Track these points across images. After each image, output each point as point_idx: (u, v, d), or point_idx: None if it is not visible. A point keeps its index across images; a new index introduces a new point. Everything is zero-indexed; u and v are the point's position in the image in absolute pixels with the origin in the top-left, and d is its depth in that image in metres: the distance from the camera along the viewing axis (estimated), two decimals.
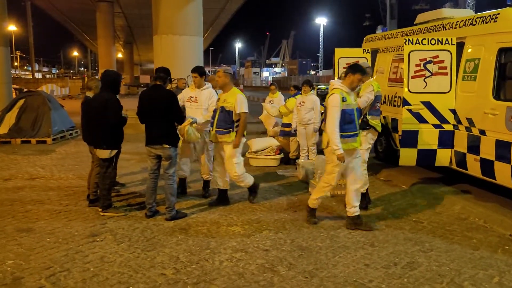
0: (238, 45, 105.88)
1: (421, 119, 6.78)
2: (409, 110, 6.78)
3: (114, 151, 5.57)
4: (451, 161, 6.88)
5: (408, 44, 6.72)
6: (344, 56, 9.21)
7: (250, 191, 6.32)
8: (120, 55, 60.13)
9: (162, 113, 5.37)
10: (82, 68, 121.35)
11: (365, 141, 5.96)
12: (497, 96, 6.00)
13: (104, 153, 5.52)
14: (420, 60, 6.72)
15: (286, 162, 9.00)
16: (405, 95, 6.79)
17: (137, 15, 37.44)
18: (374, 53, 9.36)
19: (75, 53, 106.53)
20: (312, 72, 79.62)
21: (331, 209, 6.02)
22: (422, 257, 4.40)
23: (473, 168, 6.42)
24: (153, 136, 5.44)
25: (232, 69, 67.21)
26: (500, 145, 5.84)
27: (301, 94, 8.63)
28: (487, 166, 6.11)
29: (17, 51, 65.72)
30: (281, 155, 8.94)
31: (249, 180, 6.14)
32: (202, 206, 6.08)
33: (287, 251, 4.54)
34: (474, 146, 6.35)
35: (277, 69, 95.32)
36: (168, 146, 5.39)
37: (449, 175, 7.48)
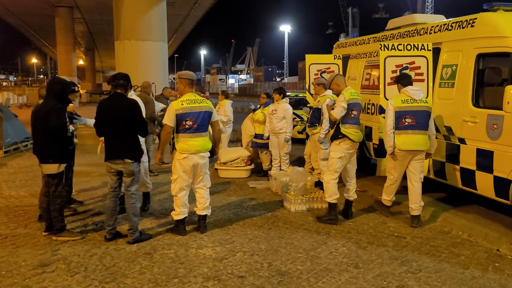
0: (203, 52, 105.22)
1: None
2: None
3: (63, 165, 4.98)
4: (429, 171, 6.63)
5: (384, 49, 6.45)
6: (315, 62, 8.95)
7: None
8: (81, 62, 58.37)
9: (126, 125, 4.84)
10: (42, 76, 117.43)
11: (338, 149, 5.67)
12: (476, 104, 5.79)
13: (51, 168, 4.92)
14: (396, 66, 6.46)
15: (257, 173, 8.58)
16: (381, 102, 6.50)
17: (98, 21, 36.34)
18: (346, 59, 9.11)
19: (34, 60, 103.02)
20: (277, 79, 79.83)
21: (308, 225, 5.61)
22: (411, 279, 4.05)
23: (452, 178, 6.18)
24: (114, 150, 4.89)
25: (197, 76, 66.25)
26: (482, 154, 5.62)
27: (272, 103, 8.30)
28: (467, 176, 5.88)
29: None
30: (252, 166, 8.51)
31: None
32: (168, 224, 5.55)
33: (265, 277, 4.08)
34: (453, 155, 6.12)
35: (243, 76, 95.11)
36: (130, 161, 4.86)
37: (427, 184, 7.23)
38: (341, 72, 8.88)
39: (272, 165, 8.29)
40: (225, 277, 4.10)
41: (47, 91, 5.01)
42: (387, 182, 5.88)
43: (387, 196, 5.93)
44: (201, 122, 5.10)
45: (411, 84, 5.62)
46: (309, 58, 9.09)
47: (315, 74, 9.04)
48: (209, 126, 5.28)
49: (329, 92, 7.15)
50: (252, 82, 78.58)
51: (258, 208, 6.34)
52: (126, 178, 4.93)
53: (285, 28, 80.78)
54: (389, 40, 7.79)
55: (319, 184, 7.16)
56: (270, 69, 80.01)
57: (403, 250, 4.77)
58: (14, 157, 10.83)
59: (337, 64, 9.00)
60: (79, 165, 9.17)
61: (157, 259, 4.50)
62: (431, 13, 50.14)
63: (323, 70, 9.02)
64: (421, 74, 6.44)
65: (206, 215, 5.36)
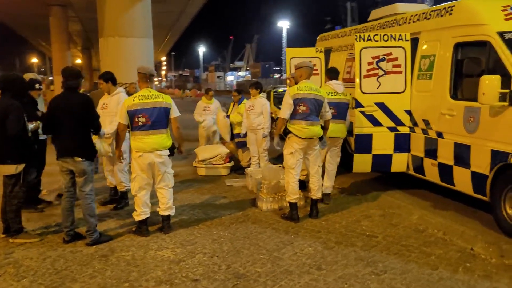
0: (201, 49, 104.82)
1: (375, 122, 6.29)
2: (362, 113, 6.29)
3: (22, 166, 4.76)
4: (408, 167, 6.41)
5: (359, 40, 6.23)
6: (296, 56, 8.68)
7: None
8: (79, 61, 58.15)
9: (77, 121, 4.62)
10: (41, 76, 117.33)
11: (288, 146, 5.47)
12: (454, 95, 5.57)
13: (9, 169, 4.71)
14: (373, 58, 6.24)
15: (236, 170, 8.36)
16: (357, 96, 6.28)
17: (93, 20, 35.57)
18: (328, 52, 8.88)
19: (34, 60, 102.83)
20: (276, 75, 79.49)
21: (278, 224, 5.39)
22: (374, 282, 3.83)
23: (431, 173, 5.96)
24: (64, 148, 4.67)
25: (196, 73, 66.08)
26: (459, 148, 5.40)
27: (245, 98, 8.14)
28: (445, 171, 5.66)
29: None
30: (231, 163, 8.29)
31: None
32: (133, 225, 5.33)
33: (220, 281, 3.87)
34: (431, 150, 5.90)
35: (241, 73, 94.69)
36: (80, 159, 4.64)
37: (409, 181, 7.01)
38: (323, 66, 8.66)
39: (250, 162, 8.08)
40: (178, 280, 3.88)
41: (3, 88, 4.78)
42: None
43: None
44: (156, 119, 4.87)
45: (337, 79, 6.26)
46: (290, 51, 8.85)
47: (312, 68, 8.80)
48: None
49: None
50: (250, 78, 78.29)
51: (230, 207, 6.12)
52: (78, 178, 4.71)
53: (283, 24, 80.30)
54: (370, 31, 7.55)
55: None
56: (267, 65, 79.65)
57: (372, 250, 4.54)
58: None
59: (319, 58, 8.75)
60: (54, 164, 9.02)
61: (112, 262, 4.29)
62: (431, 5, 49.80)
63: None
64: (399, 66, 6.22)
65: (169, 215, 5.15)
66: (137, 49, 12.82)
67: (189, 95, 50.44)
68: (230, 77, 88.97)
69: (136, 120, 4.83)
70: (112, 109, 5.94)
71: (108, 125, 5.80)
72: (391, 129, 6.31)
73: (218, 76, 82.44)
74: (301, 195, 5.97)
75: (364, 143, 6.31)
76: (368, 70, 6.23)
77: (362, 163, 6.37)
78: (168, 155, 5.04)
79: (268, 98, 14.02)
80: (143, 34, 12.94)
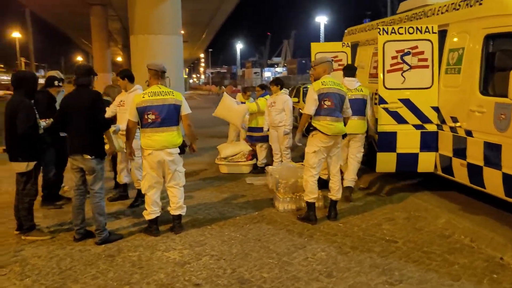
0: (239, 46, 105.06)
1: (400, 119, 5.94)
2: (386, 109, 5.95)
3: (32, 164, 4.77)
4: (436, 167, 6.03)
5: (383, 34, 5.89)
6: (321, 51, 8.38)
7: None
8: (119, 59, 59.57)
9: (85, 117, 4.57)
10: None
11: (311, 143, 5.24)
12: (484, 91, 5.14)
13: (20, 166, 4.73)
14: (397, 51, 5.89)
15: (254, 169, 8.17)
16: (380, 92, 5.95)
17: None
18: (355, 47, 8.52)
19: (79, 58, 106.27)
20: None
21: (292, 226, 5.18)
22: None
23: (460, 174, 5.56)
24: (73, 145, 4.64)
25: (233, 70, 66.01)
26: (489, 148, 4.98)
27: (269, 94, 7.92)
28: (475, 172, 5.25)
29: (22, 58, 65.77)
30: (254, 161, 8.11)
31: None
32: (145, 224, 5.25)
33: (222, 286, 3.71)
34: (460, 149, 5.50)
35: (279, 69, 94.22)
36: (89, 156, 4.58)
37: (438, 181, 6.61)
38: (349, 61, 8.32)
39: (266, 160, 7.91)
40: (180, 284, 3.75)
41: (14, 85, 4.80)
42: None
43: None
44: (166, 116, 4.75)
45: (353, 76, 6.21)
46: (315, 46, 8.55)
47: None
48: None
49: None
50: (287, 74, 77.72)
51: (246, 207, 5.96)
52: (88, 176, 4.67)
53: (321, 19, 79.23)
54: (397, 24, 7.16)
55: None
56: (303, 61, 78.72)
57: (389, 257, 4.26)
58: None
59: (345, 52, 8.39)
60: None
61: (118, 263, 4.22)
62: None
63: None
64: (425, 60, 5.84)
65: (180, 215, 5.03)
66: (166, 46, 12.87)
67: (225, 92, 50.59)
68: (268, 73, 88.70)
69: (146, 117, 4.74)
70: (128, 106, 5.82)
71: (124, 122, 5.76)
72: (417, 126, 5.94)
73: (255, 72, 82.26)
74: (321, 195, 5.72)
75: (388, 141, 5.98)
76: (392, 65, 5.88)
77: (386, 162, 6.04)
78: (179, 153, 4.92)
79: (297, 94, 13.84)
80: (171, 31, 12.98)
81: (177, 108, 4.83)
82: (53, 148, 5.85)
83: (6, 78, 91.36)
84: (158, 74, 4.92)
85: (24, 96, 4.73)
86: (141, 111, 4.74)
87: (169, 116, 4.78)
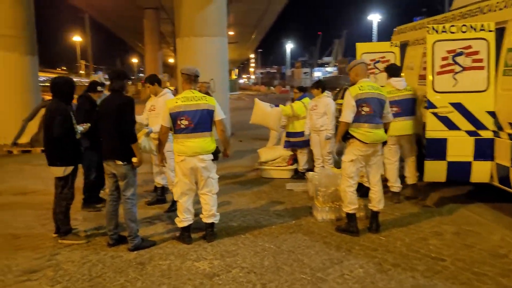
0: (289, 46, 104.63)
1: (451, 125, 5.50)
2: (435, 114, 5.53)
3: (70, 168, 4.80)
4: (492, 177, 5.54)
5: (432, 33, 5.48)
6: (367, 51, 8.03)
7: None
8: (171, 60, 60.94)
9: (114, 123, 4.52)
10: (141, 74, 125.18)
11: (349, 152, 4.96)
12: None
13: (58, 171, 4.77)
14: (448, 52, 5.46)
15: (295, 174, 7.92)
16: (429, 95, 5.54)
17: None
18: (404, 46, 8.08)
19: (135, 60, 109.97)
20: None
21: (330, 238, 4.90)
22: None
23: None
24: (105, 150, 4.63)
25: (282, 70, 65.71)
26: None
27: (307, 97, 7.67)
28: None
29: (82, 61, 69.15)
30: (295, 166, 7.87)
31: None
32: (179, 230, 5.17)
33: None
34: None
35: (329, 69, 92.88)
36: (121, 162, 4.54)
37: (495, 192, 6.08)
38: (398, 62, 7.90)
39: (308, 166, 7.64)
40: None
41: (53, 91, 4.86)
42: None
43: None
44: (199, 121, 4.63)
45: (398, 76, 6.10)
46: (361, 46, 8.18)
47: (368, 65, 8.14)
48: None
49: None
50: (337, 74, 76.45)
51: (284, 215, 5.74)
52: (120, 182, 4.63)
53: (374, 18, 77.29)
54: (450, 22, 6.68)
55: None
56: None
57: (434, 277, 3.90)
58: None
59: (394, 53, 8.00)
60: None
61: (147, 271, 4.14)
62: None
63: (376, 59, 8.09)
64: (480, 61, 5.37)
65: (213, 223, 4.90)
66: (210, 48, 12.93)
67: (273, 92, 50.57)
68: (318, 73, 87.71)
69: (179, 122, 4.65)
70: (159, 110, 5.88)
71: (156, 125, 5.71)
72: (471, 133, 5.48)
73: (305, 72, 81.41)
74: (362, 205, 5.41)
75: (437, 148, 5.56)
76: (442, 66, 5.46)
77: (434, 170, 5.62)
78: (212, 160, 4.79)
79: (344, 96, 13.42)
80: (216, 33, 13.00)
81: (210, 113, 4.71)
82: (95, 151, 5.90)
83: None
84: (191, 79, 4.82)
85: (61, 102, 4.77)
86: (174, 117, 4.65)
87: (202, 121, 4.66)
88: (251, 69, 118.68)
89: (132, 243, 4.63)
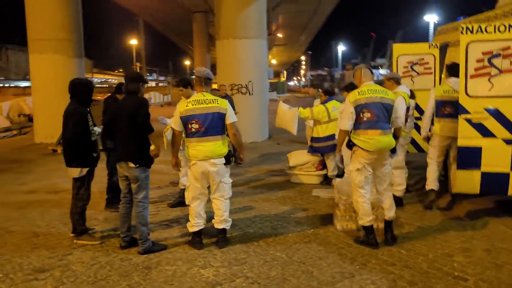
0: (340, 47, 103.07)
1: (486, 132, 5.09)
2: (468, 121, 5.13)
3: (86, 170, 4.86)
4: None
5: (466, 32, 5.08)
6: (404, 53, 7.69)
7: None
8: None
9: (128, 125, 4.51)
10: (193, 76, 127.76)
11: (354, 160, 4.70)
12: None
13: (74, 172, 4.84)
14: (484, 53, 5.05)
15: (323, 180, 7.66)
16: (461, 100, 5.15)
17: None
18: (445, 48, 7.61)
19: (187, 62, 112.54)
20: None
21: (347, 249, 4.65)
22: None
23: None
24: (119, 153, 4.63)
25: (332, 72, 64.58)
26: None
27: (334, 100, 7.41)
28: None
29: (137, 63, 71.96)
30: (324, 171, 7.62)
31: None
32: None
33: None
34: None
35: (382, 71, 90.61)
36: (133, 165, 4.52)
37: None
38: (437, 65, 7.48)
39: (337, 171, 7.36)
40: None
41: (71, 92, 4.94)
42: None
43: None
44: (209, 125, 4.54)
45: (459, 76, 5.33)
46: (398, 48, 7.87)
47: (405, 67, 7.77)
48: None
49: (402, 88, 6.01)
50: None
51: (303, 223, 5.53)
52: (132, 184, 4.62)
53: (430, 18, 74.44)
54: (493, 21, 6.19)
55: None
56: None
57: None
58: None
59: (433, 54, 7.60)
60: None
61: (151, 276, 4.09)
62: None
63: (414, 62, 7.71)
64: None
65: (224, 229, 4.78)
66: (251, 50, 12.90)
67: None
68: None
69: (190, 126, 4.58)
70: None
71: None
72: (509, 141, 5.03)
73: (385, 75, 80.00)
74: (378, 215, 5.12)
75: (470, 157, 5.15)
76: (476, 69, 5.06)
77: (466, 182, 5.21)
78: (224, 164, 4.68)
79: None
80: (255, 35, 12.94)
81: (221, 116, 4.60)
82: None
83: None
84: (202, 81, 4.74)
85: (79, 103, 4.83)
86: (185, 120, 4.58)
87: (213, 125, 4.56)
88: (302, 71, 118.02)
89: (143, 246, 4.61)
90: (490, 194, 5.67)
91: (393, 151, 4.72)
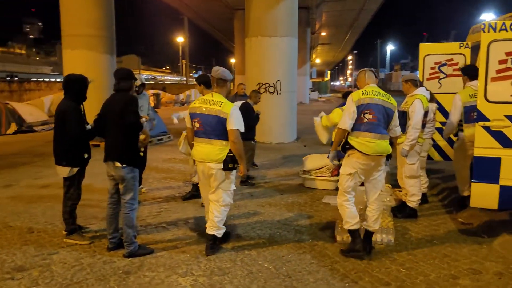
0: (389, 47, 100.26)
1: (506, 142, 4.57)
2: (487, 128, 4.63)
3: (75, 169, 4.76)
4: None
5: (488, 30, 4.59)
6: (432, 53, 7.19)
7: None
8: None
9: (117, 123, 4.37)
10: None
11: (347, 164, 4.45)
12: None
13: (63, 171, 4.75)
14: (507, 54, 4.53)
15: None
16: (480, 106, 4.65)
17: None
18: (478, 48, 7.00)
19: (233, 60, 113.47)
20: None
21: (342, 263, 4.29)
22: None
23: None
24: (106, 151, 4.50)
25: (382, 73, 62.66)
26: None
27: None
28: None
29: (183, 60, 73.45)
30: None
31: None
32: (184, 238, 4.93)
33: None
34: None
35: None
36: (120, 165, 4.37)
37: None
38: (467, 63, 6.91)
39: None
40: None
41: (64, 89, 4.85)
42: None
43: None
44: (208, 127, 4.41)
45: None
46: (425, 48, 7.35)
47: (432, 68, 7.26)
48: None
49: (420, 91, 5.57)
50: None
51: (304, 232, 5.21)
52: (119, 185, 4.47)
53: (487, 17, 70.96)
54: None
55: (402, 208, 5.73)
56: None
57: None
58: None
59: (463, 55, 7.06)
60: (161, 161, 9.33)
61: (128, 282, 3.92)
62: None
63: (442, 62, 7.20)
64: None
65: (214, 235, 4.55)
66: (280, 48, 12.61)
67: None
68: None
69: (194, 124, 4.53)
70: None
71: None
72: None
73: (402, 76, 77.70)
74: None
75: (488, 169, 4.64)
76: (498, 71, 4.55)
77: (484, 195, 4.70)
78: (224, 170, 4.43)
79: None
80: (286, 33, 12.63)
81: (221, 121, 4.36)
82: None
83: (170, 78, 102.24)
84: (214, 81, 4.61)
85: (72, 100, 4.74)
86: (191, 117, 4.55)
87: (211, 128, 4.39)
88: (349, 71, 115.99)
89: (128, 249, 4.46)
90: (510, 210, 5.12)
91: (388, 157, 4.44)
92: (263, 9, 12.42)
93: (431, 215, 5.83)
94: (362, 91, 4.33)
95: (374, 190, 4.43)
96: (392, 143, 4.50)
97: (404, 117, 5.52)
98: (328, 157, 4.70)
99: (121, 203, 4.53)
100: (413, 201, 5.67)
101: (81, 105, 4.82)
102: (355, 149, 4.26)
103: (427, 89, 5.77)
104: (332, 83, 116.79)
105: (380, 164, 4.34)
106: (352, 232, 4.44)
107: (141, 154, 4.81)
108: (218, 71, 4.63)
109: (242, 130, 4.42)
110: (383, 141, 4.26)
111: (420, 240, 4.92)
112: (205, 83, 5.86)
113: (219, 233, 4.58)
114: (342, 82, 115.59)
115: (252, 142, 7.93)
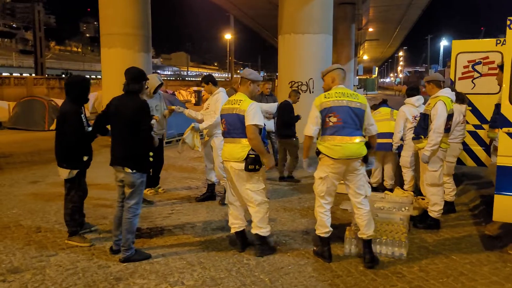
0: (443, 43, 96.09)
1: None
2: (511, 135, 4.15)
3: (75, 171, 4.73)
4: None
5: None
6: (466, 50, 6.68)
7: None
8: None
9: (127, 127, 4.27)
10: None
11: (319, 168, 4.39)
12: None
13: (63, 173, 4.73)
14: None
15: (374, 190, 6.87)
16: (504, 109, 4.18)
17: None
18: None
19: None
20: None
21: (337, 279, 3.98)
22: None
23: None
24: (115, 156, 4.39)
25: (434, 70, 60.33)
26: None
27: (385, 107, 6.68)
28: None
29: (230, 57, 74.47)
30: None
31: None
32: (189, 245, 4.79)
33: None
34: None
35: None
36: (130, 170, 4.27)
37: None
38: (509, 64, 6.33)
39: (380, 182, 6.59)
40: None
41: (66, 90, 4.82)
42: None
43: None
44: (231, 126, 4.46)
45: None
46: (458, 45, 6.84)
47: (465, 67, 6.73)
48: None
49: (444, 93, 5.14)
50: None
51: (311, 241, 4.92)
52: (126, 189, 4.38)
53: None
54: None
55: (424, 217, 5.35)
56: None
57: None
58: (171, 147, 11.59)
59: (500, 52, 6.47)
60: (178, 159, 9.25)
61: None
62: None
63: (477, 60, 6.65)
64: None
65: (258, 235, 4.53)
66: (313, 46, 12.29)
67: None
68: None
69: (222, 124, 4.66)
70: (211, 107, 6.10)
71: (206, 123, 6.10)
72: None
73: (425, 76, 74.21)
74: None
75: None
76: None
77: (507, 209, 4.24)
78: (244, 170, 4.34)
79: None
80: (320, 30, 12.28)
81: (240, 118, 4.38)
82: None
83: (217, 74, 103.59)
84: (240, 81, 4.65)
85: (73, 102, 4.70)
86: (221, 118, 4.64)
87: (234, 126, 4.44)
88: (399, 68, 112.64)
89: (124, 254, 4.36)
90: None
91: (365, 160, 4.18)
92: (296, 6, 12.11)
93: (456, 226, 5.37)
94: (324, 95, 4.22)
95: (356, 194, 4.27)
96: (370, 144, 4.26)
97: (426, 120, 5.12)
98: (304, 166, 4.50)
99: (124, 207, 4.43)
100: (434, 211, 5.24)
101: (82, 107, 4.79)
102: (323, 153, 4.14)
103: (452, 90, 5.31)
104: (381, 80, 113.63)
105: (354, 167, 4.15)
106: (322, 239, 4.38)
107: (151, 159, 4.69)
108: (245, 71, 4.72)
109: (262, 125, 4.37)
110: (351, 144, 4.06)
111: (437, 255, 4.52)
112: (212, 81, 6.25)
113: (263, 231, 4.53)
114: (392, 78, 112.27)
115: (294, 139, 7.87)
